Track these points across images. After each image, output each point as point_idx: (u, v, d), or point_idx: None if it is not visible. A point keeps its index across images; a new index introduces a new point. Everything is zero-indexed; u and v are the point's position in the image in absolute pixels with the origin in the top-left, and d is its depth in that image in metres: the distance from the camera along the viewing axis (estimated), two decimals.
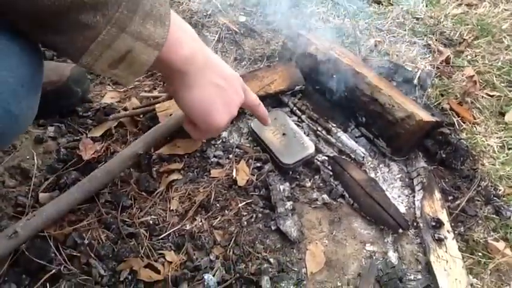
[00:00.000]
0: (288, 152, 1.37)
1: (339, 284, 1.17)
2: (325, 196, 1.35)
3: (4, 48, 0.66)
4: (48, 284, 1.06)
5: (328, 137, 1.49)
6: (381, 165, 1.48)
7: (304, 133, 1.47)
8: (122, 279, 1.08)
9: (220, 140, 1.46)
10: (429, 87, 1.78)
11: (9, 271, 1.07)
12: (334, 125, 1.52)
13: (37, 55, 0.73)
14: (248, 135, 1.49)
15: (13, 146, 1.33)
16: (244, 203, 1.28)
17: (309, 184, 1.38)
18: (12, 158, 1.30)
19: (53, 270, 1.07)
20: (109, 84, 1.60)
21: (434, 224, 1.29)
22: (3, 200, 1.21)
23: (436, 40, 2.08)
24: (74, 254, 1.12)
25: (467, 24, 2.17)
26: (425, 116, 1.42)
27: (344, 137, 1.48)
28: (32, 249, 1.10)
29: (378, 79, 1.55)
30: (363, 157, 1.45)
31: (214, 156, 1.41)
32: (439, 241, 1.26)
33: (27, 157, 1.31)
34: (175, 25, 0.70)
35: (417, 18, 2.21)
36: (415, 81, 1.80)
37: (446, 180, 1.47)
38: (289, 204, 1.26)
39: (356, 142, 1.50)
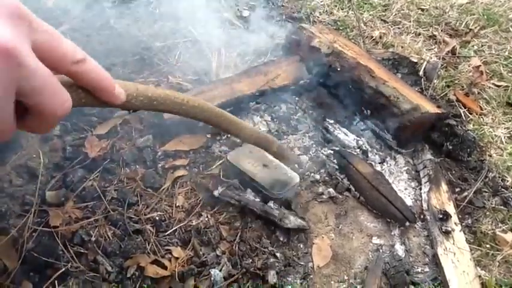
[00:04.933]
0: (276, 182, 1.26)
1: (345, 277, 1.17)
2: (331, 190, 1.34)
3: None
4: (56, 282, 1.07)
5: (328, 135, 1.48)
6: (387, 158, 1.47)
7: (309, 128, 1.46)
8: (129, 275, 1.08)
9: (226, 136, 1.46)
10: (435, 78, 1.77)
11: (18, 269, 1.07)
12: (332, 122, 1.51)
13: None
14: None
15: (19, 145, 1.34)
16: None
17: (314, 178, 1.37)
18: (18, 157, 1.30)
19: (62, 268, 1.08)
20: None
21: (441, 216, 1.29)
22: (11, 199, 1.22)
23: (441, 31, 2.06)
24: (81, 251, 1.12)
25: (473, 14, 2.15)
26: (431, 107, 1.41)
27: (342, 134, 1.47)
28: (39, 246, 1.10)
29: (383, 71, 1.54)
30: (365, 152, 1.45)
31: (220, 152, 1.40)
32: (447, 233, 1.26)
33: (34, 156, 1.31)
34: None
35: (422, 9, 2.19)
36: (421, 73, 1.79)
37: (453, 172, 1.46)
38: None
39: (361, 136, 1.49)
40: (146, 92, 0.70)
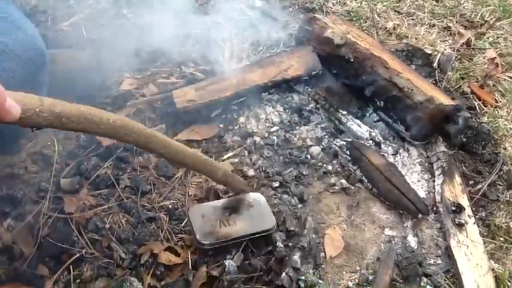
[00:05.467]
0: (259, 218, 1.17)
1: (357, 268, 1.17)
2: (343, 181, 1.34)
3: (4, 49, 0.65)
4: (71, 267, 1.08)
5: (341, 126, 1.48)
6: (400, 150, 1.47)
7: (321, 119, 1.46)
8: (142, 262, 1.09)
9: (238, 126, 1.47)
10: (449, 70, 1.75)
11: (34, 254, 1.09)
12: (345, 113, 1.50)
13: (39, 54, 0.73)
14: (266, 122, 1.49)
15: (34, 133, 1.35)
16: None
17: (326, 169, 1.37)
18: (33, 145, 1.32)
19: (76, 254, 1.09)
20: (127, 71, 1.60)
21: (454, 208, 1.28)
22: (26, 185, 1.23)
23: (456, 22, 2.04)
24: (96, 237, 1.14)
25: (489, 5, 2.12)
26: (445, 99, 1.40)
27: (355, 126, 1.46)
28: (54, 232, 1.12)
29: (397, 63, 1.52)
30: (378, 143, 1.44)
31: (232, 142, 1.41)
32: (460, 226, 1.25)
33: (49, 143, 1.33)
34: None
35: (437, 0, 2.17)
36: (435, 65, 1.77)
37: (467, 164, 1.45)
38: None
39: (374, 127, 1.48)
40: (53, 108, 0.61)
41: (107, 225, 1.16)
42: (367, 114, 1.53)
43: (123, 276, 1.06)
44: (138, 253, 1.11)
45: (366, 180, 1.35)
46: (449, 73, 1.75)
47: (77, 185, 1.24)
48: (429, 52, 1.80)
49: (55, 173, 1.27)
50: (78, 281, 1.05)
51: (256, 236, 1.14)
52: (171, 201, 1.24)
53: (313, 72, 1.57)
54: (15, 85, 0.67)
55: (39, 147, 1.32)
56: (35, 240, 1.11)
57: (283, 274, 1.06)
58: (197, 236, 1.10)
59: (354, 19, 1.99)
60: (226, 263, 1.08)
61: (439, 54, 1.80)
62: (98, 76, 1.45)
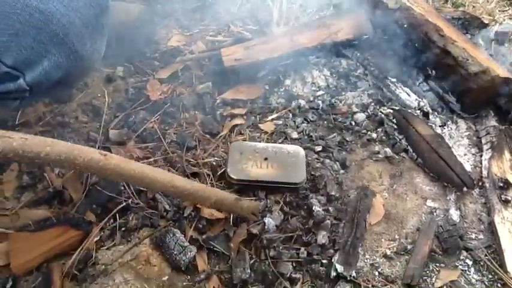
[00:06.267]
0: (291, 171, 1.19)
1: (396, 236, 1.16)
2: (387, 150, 1.32)
3: None
4: (117, 215, 1.12)
5: (388, 94, 1.44)
6: (448, 122, 1.43)
7: (368, 86, 1.43)
8: (185, 215, 1.12)
9: (284, 88, 1.46)
10: (507, 42, 1.67)
11: (82, 200, 1.13)
12: (394, 80, 1.46)
13: None
14: (311, 85, 1.47)
15: (85, 84, 1.38)
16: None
17: (371, 137, 1.35)
18: (84, 95, 1.36)
19: (122, 203, 1.13)
20: (175, 28, 1.61)
21: (501, 184, 1.24)
22: (76, 134, 1.28)
23: None
24: (141, 188, 1.17)
25: None
26: (502, 71, 1.34)
27: (404, 94, 1.42)
28: (102, 181, 1.16)
29: (452, 30, 1.46)
30: (427, 114, 1.40)
31: (277, 104, 1.40)
32: (506, 202, 1.22)
33: (99, 95, 1.36)
34: None
35: None
36: (492, 35, 1.69)
37: None
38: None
39: (423, 97, 1.44)
40: None
41: None
42: (417, 83, 1.48)
43: (167, 227, 1.09)
44: (182, 206, 1.14)
45: (411, 150, 1.32)
46: (506, 45, 1.67)
47: (124, 136, 1.27)
48: (486, 22, 1.72)
49: (104, 124, 1.30)
50: (123, 229, 1.10)
51: (282, 185, 1.17)
52: (215, 158, 1.26)
53: (364, 37, 1.53)
54: (81, 26, 0.69)
55: (90, 98, 1.35)
56: (83, 187, 1.15)
57: (322, 234, 1.08)
58: (228, 169, 1.17)
59: None
60: (266, 221, 1.10)
61: (497, 25, 1.71)
62: (149, 30, 1.46)
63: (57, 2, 0.66)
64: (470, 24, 1.69)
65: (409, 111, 1.39)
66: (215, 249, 1.07)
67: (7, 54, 0.65)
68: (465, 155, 1.37)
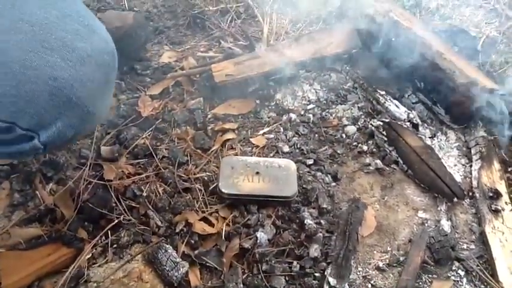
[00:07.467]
0: (282, 184, 1.19)
1: (389, 248, 1.17)
2: (378, 161, 1.33)
3: (84, 55, 0.70)
4: (109, 232, 1.12)
5: (378, 106, 1.46)
6: (437, 133, 1.44)
7: (358, 98, 1.45)
8: (177, 230, 1.12)
9: (275, 102, 1.47)
10: (494, 53, 1.70)
11: (74, 218, 1.13)
12: (383, 93, 1.48)
13: (113, 58, 0.77)
14: (302, 99, 1.48)
15: None
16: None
17: (361, 149, 1.37)
18: None
19: (114, 220, 1.13)
20: (166, 44, 1.62)
21: (491, 194, 1.25)
22: (68, 152, 1.28)
23: (504, 4, 1.96)
24: (133, 205, 1.17)
25: None
26: (488, 83, 1.36)
27: (393, 106, 1.44)
28: (94, 198, 1.16)
29: (440, 44, 1.49)
30: (416, 125, 1.42)
31: (268, 118, 1.41)
32: (496, 212, 1.23)
33: None
34: None
35: None
36: (479, 47, 1.72)
37: (507, 151, 1.41)
38: None
39: (412, 108, 1.46)
40: None
41: (144, 194, 1.19)
42: (406, 95, 1.50)
43: (159, 243, 1.09)
44: (174, 222, 1.14)
45: (402, 162, 1.33)
46: (493, 56, 1.70)
47: (116, 153, 1.27)
48: (473, 34, 1.75)
49: (95, 140, 1.30)
50: (115, 245, 1.10)
51: (274, 199, 1.18)
52: (207, 173, 1.26)
53: (353, 51, 1.55)
54: (92, 88, 0.71)
55: None
56: (75, 204, 1.15)
57: (314, 248, 1.08)
58: (219, 184, 1.18)
59: None
60: (258, 235, 1.10)
61: (484, 37, 1.75)
62: (143, 37, 1.48)
63: (70, 67, 0.69)
64: (457, 37, 1.71)
65: (399, 123, 1.41)
66: (207, 264, 1.07)
67: (23, 119, 0.67)
68: (455, 165, 1.38)
